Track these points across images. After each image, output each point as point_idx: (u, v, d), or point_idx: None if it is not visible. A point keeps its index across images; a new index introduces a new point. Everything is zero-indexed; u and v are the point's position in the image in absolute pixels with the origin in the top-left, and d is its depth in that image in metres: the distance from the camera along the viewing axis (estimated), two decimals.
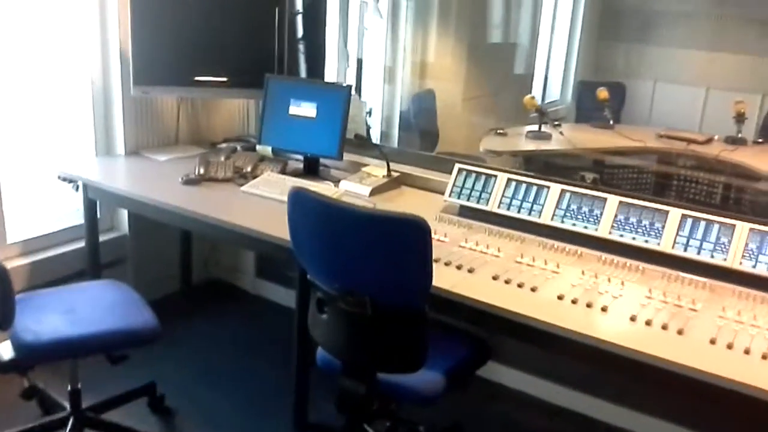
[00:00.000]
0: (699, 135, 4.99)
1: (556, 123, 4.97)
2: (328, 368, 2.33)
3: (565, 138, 4.78)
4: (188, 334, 3.85)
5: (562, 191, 2.75)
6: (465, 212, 2.91)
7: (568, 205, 2.71)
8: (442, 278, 2.23)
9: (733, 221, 2.43)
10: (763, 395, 1.77)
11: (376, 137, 4.70)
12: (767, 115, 5.50)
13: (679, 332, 2.03)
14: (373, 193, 3.14)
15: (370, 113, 4.60)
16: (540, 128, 4.91)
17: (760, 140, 5.18)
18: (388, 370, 2.20)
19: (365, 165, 3.41)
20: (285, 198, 2.16)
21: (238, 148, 3.77)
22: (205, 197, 3.09)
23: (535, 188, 2.80)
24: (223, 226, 2.82)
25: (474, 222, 2.83)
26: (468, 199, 2.90)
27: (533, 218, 2.76)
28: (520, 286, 2.28)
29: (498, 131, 5.01)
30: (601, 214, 2.64)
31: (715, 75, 7.58)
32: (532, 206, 2.78)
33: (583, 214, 2.68)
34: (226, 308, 4.27)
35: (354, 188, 3.16)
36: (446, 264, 2.41)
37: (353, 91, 3.46)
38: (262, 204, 3.02)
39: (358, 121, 3.59)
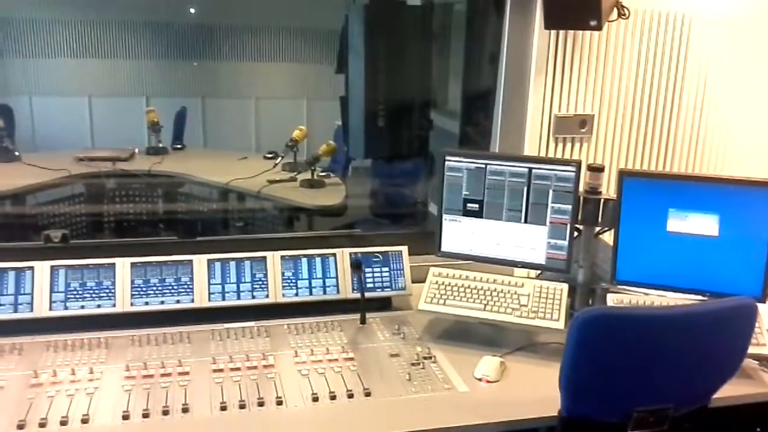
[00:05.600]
0: (120, 151, 4.67)
1: None
2: None
3: None
4: None
5: (53, 268, 2.08)
6: None
7: (68, 284, 2.08)
8: None
9: (262, 254, 2.24)
10: None
11: None
12: (176, 119, 5.55)
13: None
14: None
15: None
16: None
17: (179, 146, 5.19)
18: None
19: None
20: None
21: None
22: None
23: (12, 273, 2.05)
24: None
25: None
26: None
27: (25, 314, 2.02)
28: (42, 425, 1.61)
29: None
30: (114, 284, 2.11)
31: (95, 82, 7.32)
32: (16, 299, 2.03)
33: (91, 291, 2.09)
34: None
35: None
36: None
37: None
38: None
39: None
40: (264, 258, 2.23)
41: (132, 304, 2.10)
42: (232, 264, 2.21)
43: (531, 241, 2.18)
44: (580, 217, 2.19)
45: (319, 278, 2.25)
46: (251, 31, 7.41)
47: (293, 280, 2.23)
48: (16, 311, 2.02)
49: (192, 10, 7.27)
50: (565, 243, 2.15)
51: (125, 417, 1.65)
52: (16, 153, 4.43)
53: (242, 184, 4.12)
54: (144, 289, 2.12)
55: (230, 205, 4.28)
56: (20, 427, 1.59)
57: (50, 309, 2.04)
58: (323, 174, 4.27)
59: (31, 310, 2.03)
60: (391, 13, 3.48)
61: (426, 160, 3.79)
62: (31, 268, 2.06)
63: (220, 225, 4.33)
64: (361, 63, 3.35)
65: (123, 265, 2.13)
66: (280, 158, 4.31)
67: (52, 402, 1.69)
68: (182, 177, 4.40)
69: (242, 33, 7.41)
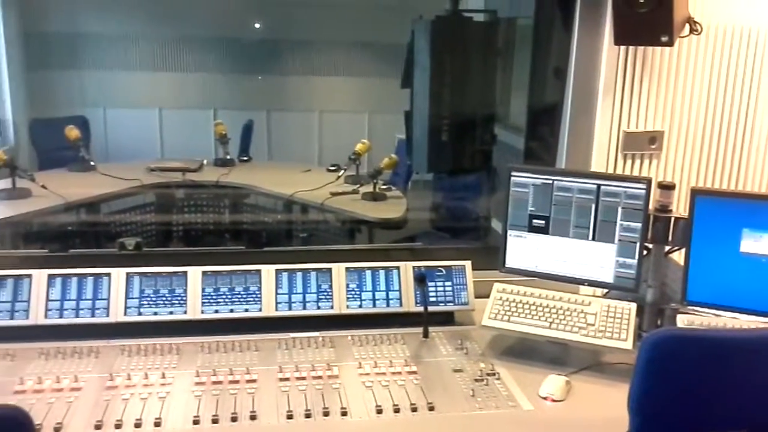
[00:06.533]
0: (189, 162, 4.81)
1: (29, 174, 4.11)
2: None
3: (50, 191, 3.98)
4: None
5: (128, 276, 2.17)
6: None
7: (142, 291, 2.16)
8: None
9: (328, 265, 2.27)
10: None
11: None
12: (243, 132, 5.69)
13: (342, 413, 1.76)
14: None
15: None
16: (14, 184, 4.00)
17: (245, 158, 5.31)
18: None
19: None
20: None
21: None
22: None
23: (90, 279, 2.14)
24: None
25: (15, 346, 2.02)
26: None
27: (101, 319, 2.11)
28: (118, 426, 1.67)
29: None
30: (185, 291, 2.18)
31: (166, 95, 7.58)
32: (93, 304, 2.12)
33: (164, 298, 2.16)
34: None
35: None
36: None
37: None
38: None
39: None
40: (329, 270, 2.26)
41: (202, 312, 2.16)
42: (299, 275, 2.25)
43: (599, 259, 2.15)
44: (649, 236, 2.15)
45: (383, 291, 2.27)
46: (316, 46, 7.54)
47: (357, 292, 2.25)
48: (93, 316, 2.11)
49: (257, 25, 7.46)
50: (634, 262, 2.11)
51: (195, 422, 1.70)
52: (92, 163, 4.61)
53: (306, 196, 4.20)
54: (214, 297, 2.18)
55: (293, 216, 4.36)
56: (97, 427, 1.66)
57: (125, 314, 2.12)
58: (384, 187, 4.30)
59: (107, 315, 2.11)
60: (456, 28, 3.50)
61: (489, 174, 3.78)
62: (108, 274, 2.15)
63: (283, 235, 4.41)
64: (426, 78, 3.38)
65: (194, 273, 2.19)
66: (342, 171, 4.37)
67: (127, 404, 1.76)
68: (249, 188, 4.50)
69: (307, 48, 7.56)
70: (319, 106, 7.72)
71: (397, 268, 2.29)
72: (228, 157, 4.95)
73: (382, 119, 7.51)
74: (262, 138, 7.26)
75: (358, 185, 4.27)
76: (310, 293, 2.23)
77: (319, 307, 2.22)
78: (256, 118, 6.69)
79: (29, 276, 2.11)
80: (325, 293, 2.24)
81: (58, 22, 6.91)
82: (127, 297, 2.14)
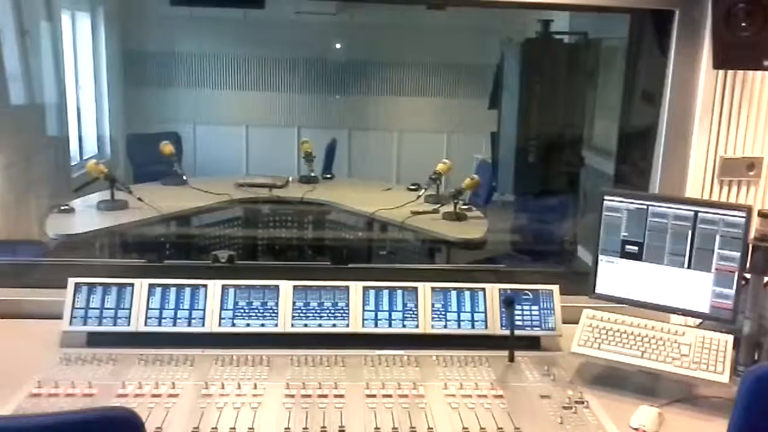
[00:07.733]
0: (276, 179, 4.94)
1: (127, 187, 4.33)
2: None
3: (146, 204, 4.17)
4: None
5: (224, 287, 2.25)
6: (98, 341, 2.17)
7: (236, 303, 2.23)
8: None
9: (414, 284, 2.29)
10: None
11: None
12: (327, 150, 5.81)
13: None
14: None
15: None
16: (113, 196, 4.21)
17: (328, 175, 5.42)
18: None
19: None
20: None
21: None
22: None
23: (188, 290, 2.24)
24: None
25: (116, 351, 2.12)
26: (100, 323, 2.17)
27: (196, 328, 2.19)
28: None
29: (63, 207, 4.13)
30: (277, 305, 2.24)
31: (252, 113, 7.83)
32: (190, 314, 2.21)
33: (256, 310, 2.23)
34: None
35: None
36: None
37: None
38: None
39: None
40: (415, 288, 2.28)
41: (292, 325, 2.22)
42: (385, 292, 2.28)
43: (694, 288, 2.09)
44: (748, 266, 2.07)
45: (468, 312, 2.27)
46: (398, 66, 7.65)
47: (443, 312, 2.26)
48: (189, 325, 2.19)
49: (338, 45, 7.61)
50: (732, 292, 2.04)
51: None
52: (184, 177, 4.80)
53: (387, 215, 4.24)
54: (304, 311, 2.23)
55: (374, 233, 4.41)
56: None
57: (219, 325, 2.20)
58: (465, 207, 4.30)
59: (203, 325, 2.19)
60: (547, 50, 3.49)
61: (576, 197, 3.73)
62: (205, 286, 2.24)
63: (364, 252, 4.47)
64: (514, 99, 3.39)
65: (286, 287, 2.26)
66: (423, 190, 4.40)
67: (221, 413, 1.82)
68: (332, 205, 4.59)
69: (388, 68, 7.66)
70: (399, 125, 7.80)
71: (483, 289, 2.29)
72: (312, 174, 5.06)
73: (460, 139, 7.53)
74: (343, 156, 7.39)
75: (438, 205, 4.28)
76: (396, 311, 2.26)
77: (404, 326, 2.24)
78: (337, 136, 6.83)
79: (131, 285, 2.22)
80: (411, 312, 2.26)
81: (155, 42, 7.26)
82: (221, 308, 2.22)
